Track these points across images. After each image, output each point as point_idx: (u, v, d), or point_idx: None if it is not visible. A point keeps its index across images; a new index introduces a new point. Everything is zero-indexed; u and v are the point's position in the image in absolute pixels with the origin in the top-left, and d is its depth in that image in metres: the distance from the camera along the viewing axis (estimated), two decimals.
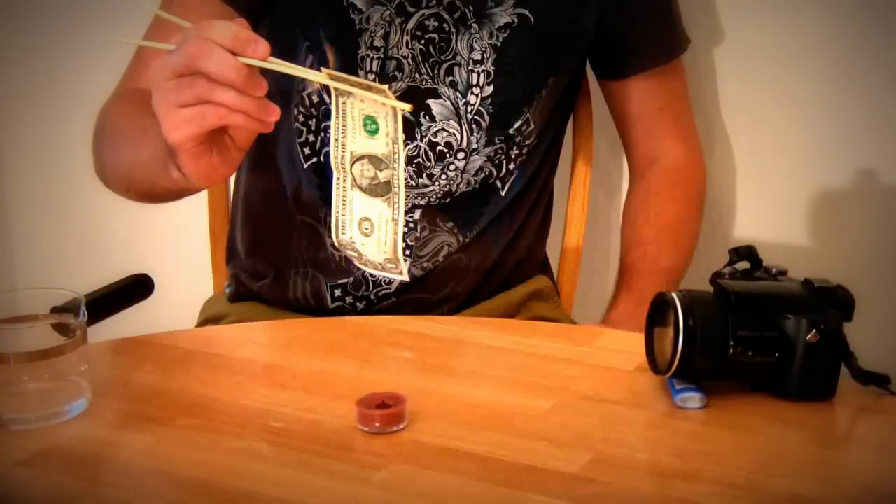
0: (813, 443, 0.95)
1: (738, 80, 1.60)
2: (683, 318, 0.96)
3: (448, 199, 1.34)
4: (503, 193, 1.36)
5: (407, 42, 1.29)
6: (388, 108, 0.94)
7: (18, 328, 0.96)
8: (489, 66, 1.30)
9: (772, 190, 1.62)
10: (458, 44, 1.30)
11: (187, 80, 0.94)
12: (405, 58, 1.30)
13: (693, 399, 0.97)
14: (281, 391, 1.01)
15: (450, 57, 1.30)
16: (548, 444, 0.92)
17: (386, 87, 0.93)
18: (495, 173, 1.35)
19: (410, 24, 1.29)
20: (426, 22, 1.29)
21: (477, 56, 1.30)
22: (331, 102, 0.96)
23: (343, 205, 1.00)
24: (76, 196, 1.96)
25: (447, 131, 1.31)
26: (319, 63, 1.30)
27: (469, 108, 1.31)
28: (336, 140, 0.97)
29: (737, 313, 0.97)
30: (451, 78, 1.30)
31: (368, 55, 1.29)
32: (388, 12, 1.29)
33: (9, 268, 2.13)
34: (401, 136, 0.94)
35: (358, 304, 1.34)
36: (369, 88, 0.93)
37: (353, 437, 0.93)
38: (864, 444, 0.98)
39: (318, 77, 0.96)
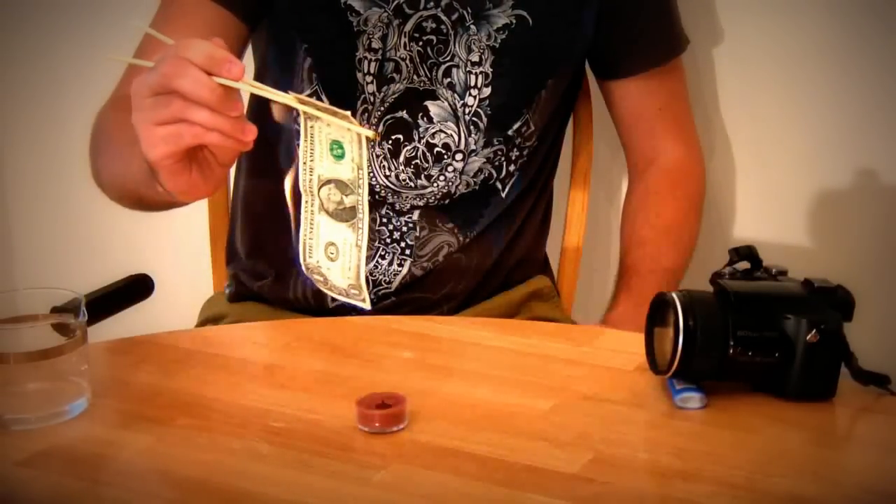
0: (813, 443, 0.95)
1: (737, 80, 1.60)
2: (683, 318, 0.96)
3: (447, 201, 1.34)
4: (503, 195, 1.36)
5: (405, 44, 1.29)
6: (353, 133, 0.95)
7: (18, 328, 0.96)
8: (487, 68, 1.30)
9: (772, 190, 1.62)
10: (456, 45, 1.30)
11: (164, 99, 0.95)
12: (403, 59, 1.30)
13: (693, 399, 0.97)
14: (281, 391, 1.01)
15: (448, 58, 1.30)
16: (548, 444, 0.92)
17: (349, 112, 0.94)
18: (495, 175, 1.35)
19: (408, 26, 1.29)
20: (424, 23, 1.29)
21: (475, 57, 1.30)
22: (299, 126, 0.96)
23: (311, 228, 1.01)
24: (76, 196, 1.96)
25: (445, 133, 1.31)
26: (318, 64, 1.30)
27: (467, 110, 1.31)
28: (304, 163, 0.98)
29: (737, 313, 0.97)
30: (449, 79, 1.30)
31: (366, 57, 1.29)
32: (385, 14, 1.29)
33: (9, 268, 2.13)
34: (365, 162, 0.95)
35: None
36: (334, 114, 0.94)
37: (353, 437, 0.93)
38: (864, 444, 0.98)
39: (286, 100, 0.96)
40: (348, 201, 0.98)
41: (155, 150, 0.97)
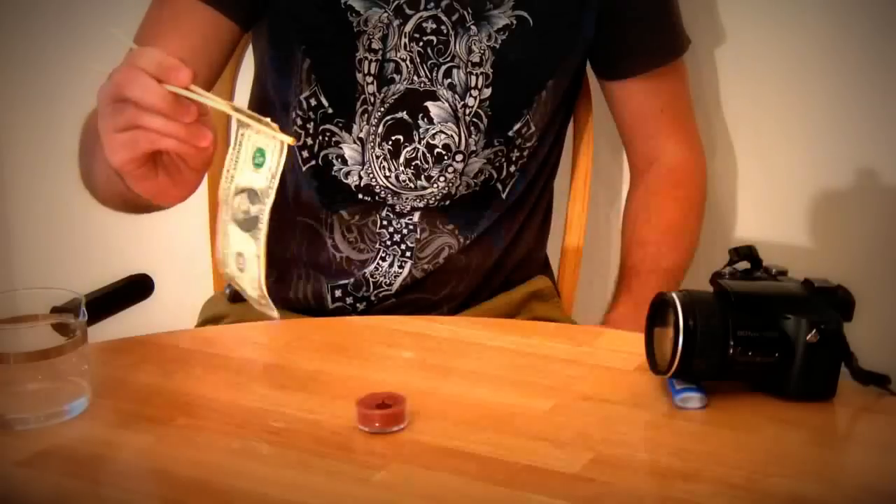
0: (813, 443, 0.95)
1: (738, 80, 1.60)
2: (683, 318, 0.96)
3: (448, 202, 1.34)
4: (504, 196, 1.36)
5: (405, 44, 1.29)
6: (276, 141, 0.97)
7: (18, 328, 0.96)
8: (488, 69, 1.30)
9: (772, 190, 1.62)
10: (457, 46, 1.30)
11: (120, 106, 0.97)
12: (403, 60, 1.30)
13: (693, 399, 0.97)
14: (281, 391, 1.01)
15: (448, 59, 1.30)
16: (548, 444, 0.92)
17: (269, 119, 0.96)
18: (496, 176, 1.35)
19: (408, 27, 1.29)
20: (424, 24, 1.29)
21: (475, 58, 1.30)
22: (232, 134, 0.98)
23: (224, 237, 1.02)
24: (76, 196, 1.95)
25: (445, 133, 1.31)
26: (317, 65, 1.30)
27: (467, 111, 1.31)
28: (227, 171, 1.00)
29: (737, 313, 0.97)
30: (449, 80, 1.30)
31: (366, 57, 1.29)
32: (386, 14, 1.29)
33: (9, 268, 2.13)
34: (279, 171, 0.97)
35: (358, 304, 1.34)
36: (259, 121, 0.97)
37: (353, 437, 0.93)
38: (864, 444, 0.97)
39: (222, 106, 0.98)
40: (254, 210, 1.00)
41: (115, 156, 0.99)
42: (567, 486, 0.86)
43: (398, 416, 0.93)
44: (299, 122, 1.32)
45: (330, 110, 1.31)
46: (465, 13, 1.30)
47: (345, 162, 1.32)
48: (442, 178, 1.32)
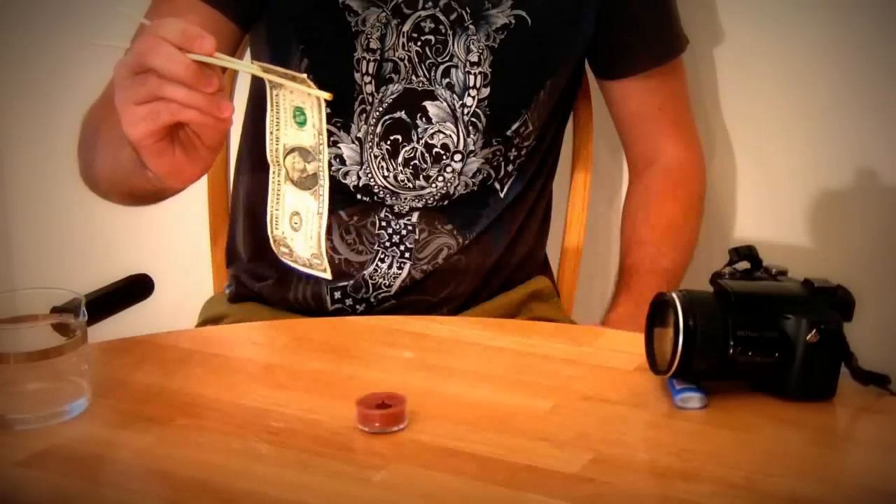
0: (813, 443, 0.95)
1: (738, 79, 1.60)
2: (683, 318, 0.96)
3: (446, 202, 1.34)
4: (502, 195, 1.36)
5: (403, 44, 1.29)
6: (312, 98, 0.95)
7: (18, 328, 0.96)
8: (486, 68, 1.30)
9: (772, 190, 1.62)
10: (455, 45, 1.30)
11: (141, 78, 0.96)
12: (401, 60, 1.30)
13: (693, 399, 0.97)
14: (281, 391, 1.01)
15: (446, 59, 1.30)
16: (548, 444, 0.92)
17: (305, 75, 0.94)
18: (494, 175, 1.35)
19: (406, 26, 1.29)
20: (422, 24, 1.29)
21: (474, 58, 1.30)
22: (266, 96, 0.96)
23: (277, 199, 1.01)
24: (76, 196, 1.95)
25: (443, 133, 1.31)
26: (315, 65, 1.30)
27: (466, 110, 1.31)
28: (271, 133, 0.98)
29: (737, 313, 0.97)
30: (447, 80, 1.30)
31: (364, 57, 1.29)
32: (384, 14, 1.29)
33: (9, 268, 2.13)
34: (324, 127, 0.96)
35: (357, 306, 1.34)
36: (293, 78, 0.95)
37: (353, 437, 0.93)
38: (864, 444, 0.97)
39: (251, 69, 0.97)
40: (310, 168, 0.98)
41: (135, 130, 0.97)
42: (567, 486, 0.86)
43: (398, 416, 0.93)
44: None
45: (328, 110, 1.30)
46: (464, 13, 1.30)
47: (343, 162, 1.32)
48: (440, 178, 1.32)
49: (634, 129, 1.45)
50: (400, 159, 1.31)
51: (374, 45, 1.29)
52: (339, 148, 1.32)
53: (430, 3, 1.29)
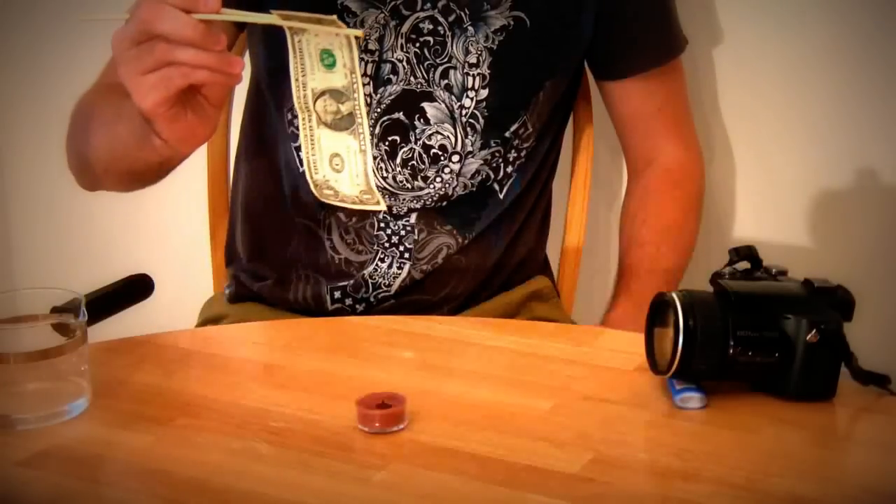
0: (813, 443, 0.95)
1: (737, 79, 1.60)
2: (683, 318, 0.96)
3: (445, 203, 1.33)
4: (501, 196, 1.36)
5: (401, 45, 1.29)
6: (342, 38, 0.94)
7: (18, 328, 0.96)
8: (484, 69, 1.30)
9: (772, 190, 1.62)
10: (454, 47, 1.30)
11: (147, 46, 0.95)
12: (400, 61, 1.30)
13: (693, 399, 0.97)
14: (280, 391, 1.01)
15: (445, 60, 1.30)
16: (548, 444, 0.92)
17: (334, 16, 0.93)
18: (493, 176, 1.35)
19: (405, 27, 1.29)
20: (421, 25, 1.29)
21: (472, 59, 1.30)
22: (287, 44, 0.96)
23: (311, 144, 1.00)
24: (76, 196, 1.95)
25: (441, 134, 1.31)
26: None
27: (464, 112, 1.31)
28: (296, 80, 0.97)
29: (737, 313, 0.97)
30: (446, 81, 1.30)
31: (363, 58, 1.29)
32: (382, 15, 1.29)
33: (9, 268, 2.13)
34: (357, 65, 0.95)
35: (357, 306, 1.34)
36: (320, 21, 0.94)
37: (353, 437, 0.93)
38: (864, 444, 0.97)
39: (269, 19, 0.96)
40: (345, 108, 0.97)
41: (147, 99, 0.97)
42: (567, 486, 0.86)
43: (398, 416, 0.93)
44: (296, 122, 1.32)
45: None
46: (462, 14, 1.30)
47: None
48: (438, 179, 1.32)
49: (633, 129, 1.45)
50: (398, 160, 1.31)
51: (372, 46, 1.29)
52: None
53: (428, 5, 1.29)
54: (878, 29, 1.51)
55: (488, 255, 1.38)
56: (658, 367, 1.00)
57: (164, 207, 1.89)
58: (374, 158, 1.31)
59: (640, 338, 1.02)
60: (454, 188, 1.33)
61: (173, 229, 1.93)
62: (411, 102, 1.30)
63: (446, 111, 1.30)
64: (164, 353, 1.09)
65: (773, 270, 1.03)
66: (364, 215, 1.33)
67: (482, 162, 1.33)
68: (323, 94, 0.98)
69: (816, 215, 1.58)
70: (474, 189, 1.34)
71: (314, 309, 1.35)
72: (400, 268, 1.33)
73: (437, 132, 1.31)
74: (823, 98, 1.56)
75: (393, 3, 1.29)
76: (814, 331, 0.96)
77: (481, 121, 1.31)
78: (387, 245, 1.33)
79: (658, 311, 1.00)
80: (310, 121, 0.99)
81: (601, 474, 0.87)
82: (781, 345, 0.97)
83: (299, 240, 1.36)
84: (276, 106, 1.35)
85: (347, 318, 1.29)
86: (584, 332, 1.19)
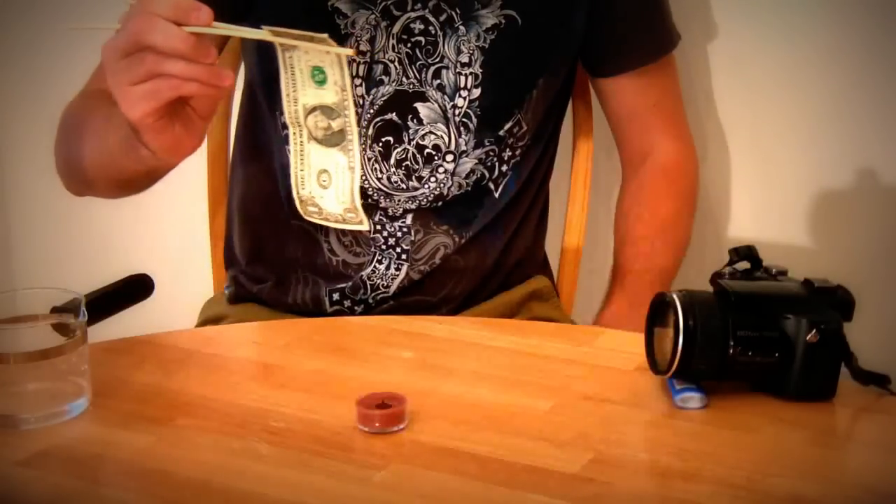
0: (813, 443, 0.95)
1: (734, 77, 1.59)
2: (683, 318, 0.96)
3: (440, 203, 1.33)
4: (497, 195, 1.36)
5: (393, 46, 1.29)
6: (332, 56, 0.95)
7: (18, 328, 0.96)
8: (477, 69, 1.30)
9: (771, 190, 1.62)
10: (445, 46, 1.29)
11: (137, 57, 0.95)
12: (392, 62, 1.29)
13: (693, 399, 0.97)
14: (281, 391, 1.01)
15: (437, 60, 1.30)
16: (548, 444, 0.92)
17: (326, 35, 0.94)
18: (487, 175, 1.34)
19: (396, 28, 1.29)
20: (412, 25, 1.29)
21: (464, 58, 1.30)
22: (278, 59, 0.96)
23: (301, 159, 1.01)
24: (75, 197, 1.96)
25: (435, 134, 1.30)
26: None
27: (457, 111, 1.30)
28: (287, 95, 0.98)
29: (737, 313, 0.97)
30: (438, 81, 1.30)
31: (354, 59, 1.29)
32: (373, 16, 1.29)
33: (9, 268, 2.13)
34: (349, 83, 0.96)
35: (356, 307, 1.34)
36: (311, 39, 0.95)
37: (353, 437, 0.93)
38: (864, 444, 0.98)
39: (260, 35, 0.97)
40: (336, 125, 0.98)
41: (135, 110, 0.97)
42: (567, 486, 0.86)
43: (398, 416, 0.93)
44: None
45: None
46: (454, 13, 1.29)
47: None
48: (433, 179, 1.32)
49: (628, 126, 1.45)
50: (392, 161, 1.31)
51: (363, 47, 1.29)
52: None
53: (419, 5, 1.29)
54: (877, 27, 1.51)
55: (486, 255, 1.37)
56: (658, 367, 1.00)
57: (164, 208, 1.89)
58: (369, 160, 1.31)
59: (639, 337, 1.02)
60: (449, 188, 1.33)
61: (173, 229, 1.92)
62: (404, 103, 1.30)
63: (439, 111, 1.30)
64: (164, 353, 1.09)
65: (773, 270, 1.03)
66: None
67: (477, 161, 1.33)
68: (314, 109, 0.98)
69: (816, 215, 1.58)
70: (469, 189, 1.34)
71: (313, 311, 1.35)
72: (398, 269, 1.33)
73: (431, 132, 1.30)
74: (823, 96, 1.55)
75: (384, 3, 1.29)
76: (814, 331, 0.96)
77: (474, 120, 1.31)
78: (384, 247, 1.33)
79: (658, 311, 1.00)
80: (300, 135, 1.00)
81: (601, 474, 0.88)
82: (781, 345, 0.97)
83: (297, 242, 1.36)
84: (270, 110, 1.35)
85: (347, 319, 1.29)
86: (583, 332, 1.19)
